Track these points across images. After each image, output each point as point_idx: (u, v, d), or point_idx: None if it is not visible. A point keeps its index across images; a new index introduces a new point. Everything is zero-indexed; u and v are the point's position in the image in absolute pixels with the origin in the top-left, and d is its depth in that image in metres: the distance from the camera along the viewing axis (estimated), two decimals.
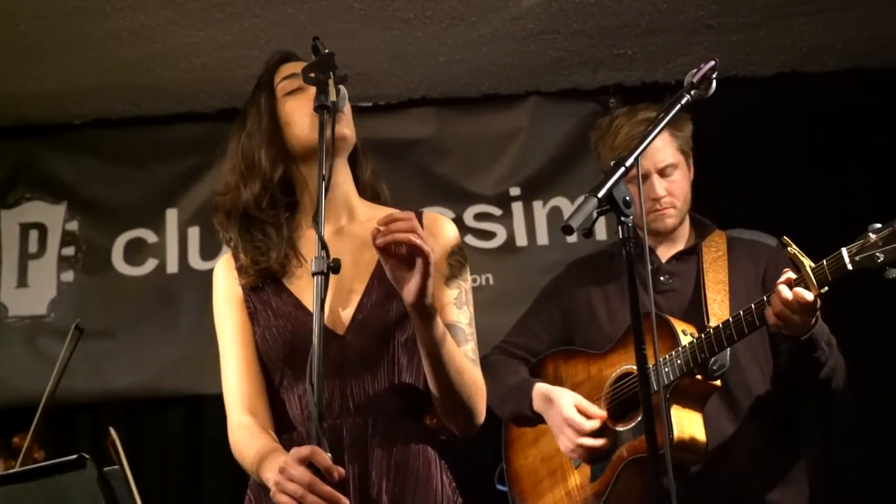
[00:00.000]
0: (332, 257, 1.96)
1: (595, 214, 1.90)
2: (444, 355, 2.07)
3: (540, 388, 3.00)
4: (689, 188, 3.06)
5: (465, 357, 2.14)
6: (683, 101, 2.15)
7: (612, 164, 2.00)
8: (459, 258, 2.27)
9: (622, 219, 1.92)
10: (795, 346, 2.67)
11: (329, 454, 1.90)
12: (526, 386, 3.03)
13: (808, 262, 2.53)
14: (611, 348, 2.96)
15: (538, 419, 3.00)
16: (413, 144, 4.55)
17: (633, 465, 2.81)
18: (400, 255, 2.00)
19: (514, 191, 4.58)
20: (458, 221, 4.46)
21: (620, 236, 1.94)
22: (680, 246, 3.07)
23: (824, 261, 2.51)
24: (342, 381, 2.15)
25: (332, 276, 2.11)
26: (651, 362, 2.57)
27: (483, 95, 4.65)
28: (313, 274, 1.94)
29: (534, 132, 4.61)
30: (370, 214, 2.30)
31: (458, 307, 2.22)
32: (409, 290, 1.99)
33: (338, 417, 2.13)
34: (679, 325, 2.81)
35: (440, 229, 2.30)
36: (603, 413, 2.88)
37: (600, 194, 1.90)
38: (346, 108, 2.26)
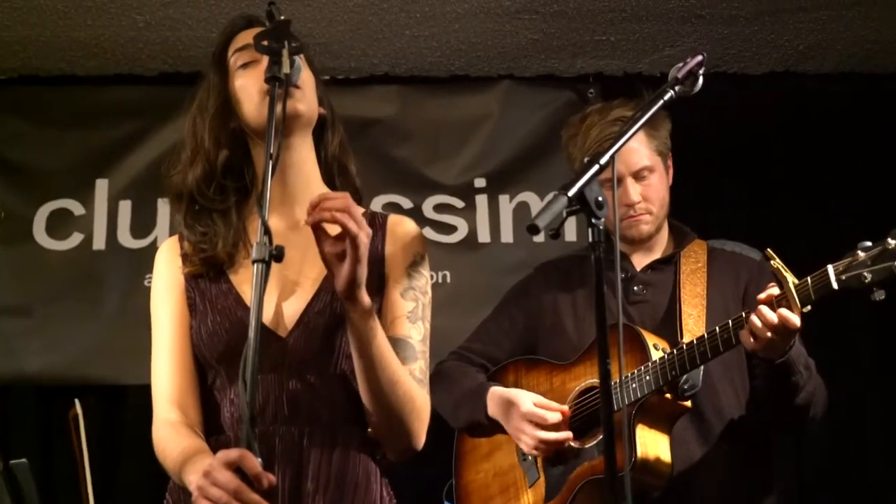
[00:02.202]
0: (276, 246, 1.94)
1: (564, 214, 1.90)
2: (375, 358, 2.09)
3: (496, 391, 3.02)
4: (666, 193, 3.08)
5: (403, 370, 2.15)
6: (666, 97, 2.15)
7: (585, 161, 2.00)
8: (422, 269, 2.29)
9: (593, 221, 1.92)
10: (771, 369, 2.70)
11: (260, 460, 1.89)
12: (481, 390, 3.06)
13: (791, 279, 2.55)
14: (576, 360, 2.99)
15: (494, 426, 3.02)
16: (371, 125, 4.52)
17: (591, 486, 2.83)
18: (335, 236, 2.02)
19: (480, 182, 4.58)
20: (417, 212, 4.48)
21: (590, 240, 1.94)
22: (656, 254, 3.10)
23: (808, 278, 2.54)
24: (279, 386, 2.16)
25: (280, 274, 2.16)
26: (615, 378, 2.60)
27: (451, 76, 4.64)
28: (253, 261, 1.92)
29: (504, 119, 4.61)
30: None
31: (411, 321, 2.23)
32: (339, 276, 2.01)
33: (271, 424, 2.15)
34: (650, 339, 2.84)
35: (405, 235, 2.32)
36: (565, 407, 2.90)
37: (571, 193, 1.89)
38: (308, 83, 2.27)
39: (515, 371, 3.14)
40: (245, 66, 2.28)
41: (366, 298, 2.04)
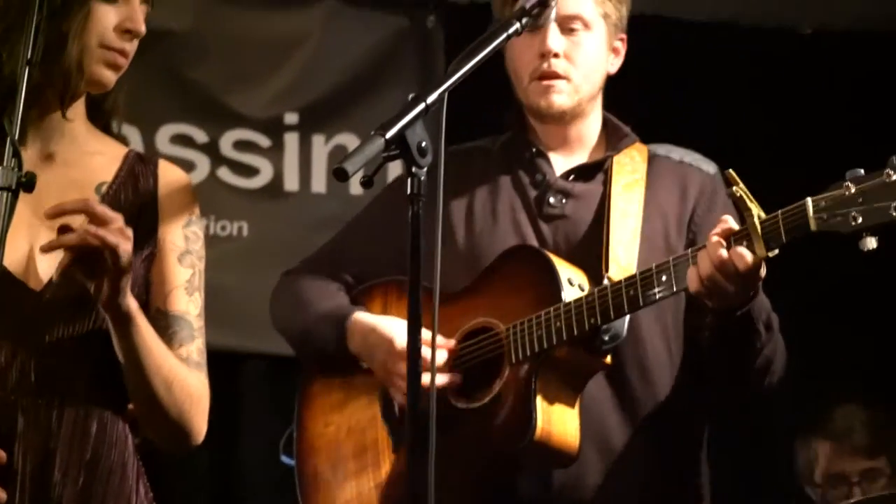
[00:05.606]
0: (27, 172, 1.92)
1: (381, 159, 1.89)
2: (144, 362, 2.12)
3: (361, 318, 2.84)
4: (600, 67, 2.86)
5: (175, 365, 2.19)
6: (512, 31, 2.16)
7: (409, 98, 1.98)
8: (197, 229, 2.32)
9: (413, 169, 1.91)
10: (724, 323, 2.56)
11: None
12: (341, 315, 2.87)
13: (757, 211, 2.40)
14: (466, 289, 2.79)
15: (353, 364, 2.86)
16: (160, 38, 4.32)
17: None
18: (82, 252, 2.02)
19: (291, 118, 4.59)
20: (212, 147, 4.50)
21: (408, 192, 1.92)
22: (583, 157, 2.90)
23: (780, 212, 2.38)
24: (27, 348, 2.14)
25: (35, 216, 2.12)
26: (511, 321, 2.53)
27: None
28: None
29: (325, 44, 4.61)
30: (94, 146, 2.31)
31: (188, 293, 2.27)
32: (98, 292, 2.03)
33: (13, 393, 2.13)
34: (565, 270, 2.67)
35: (178, 188, 2.33)
36: (451, 342, 2.74)
37: (389, 134, 1.88)
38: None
39: (384, 295, 2.92)
40: None
41: (130, 305, 2.07)
